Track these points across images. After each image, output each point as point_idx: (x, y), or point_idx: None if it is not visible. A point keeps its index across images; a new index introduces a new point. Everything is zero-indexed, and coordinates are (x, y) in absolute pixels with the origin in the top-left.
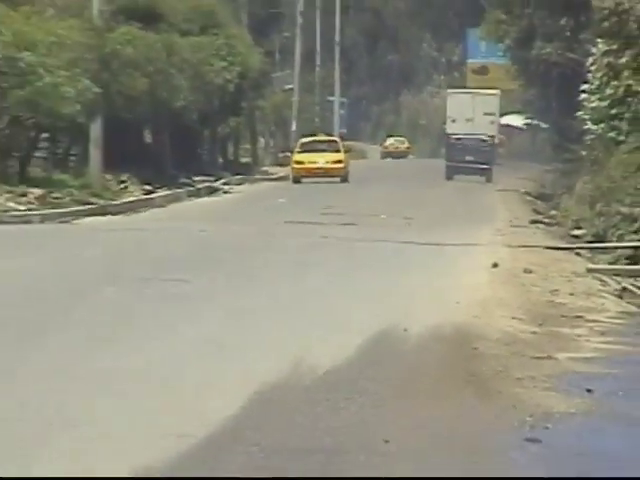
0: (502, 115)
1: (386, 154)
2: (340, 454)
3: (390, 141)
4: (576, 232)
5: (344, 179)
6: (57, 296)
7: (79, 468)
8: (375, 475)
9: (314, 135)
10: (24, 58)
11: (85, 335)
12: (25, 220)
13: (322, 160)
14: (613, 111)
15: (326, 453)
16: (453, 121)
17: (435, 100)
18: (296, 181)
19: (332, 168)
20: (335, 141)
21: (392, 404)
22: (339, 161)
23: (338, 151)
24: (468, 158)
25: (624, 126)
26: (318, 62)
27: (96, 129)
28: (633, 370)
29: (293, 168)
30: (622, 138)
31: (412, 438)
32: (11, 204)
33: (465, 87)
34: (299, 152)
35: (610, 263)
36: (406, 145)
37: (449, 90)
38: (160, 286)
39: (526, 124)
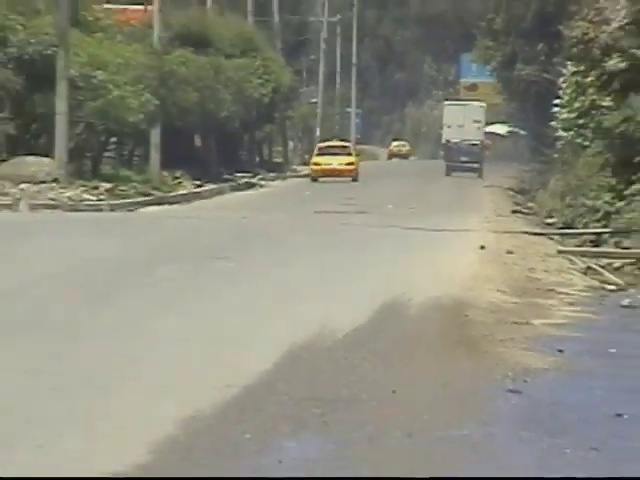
0: (488, 124)
1: (391, 155)
2: (356, 402)
3: (394, 144)
4: (549, 220)
5: (354, 179)
6: (126, 269)
7: (143, 416)
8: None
9: (330, 140)
10: (97, 76)
11: (148, 300)
12: (97, 209)
13: (336, 162)
14: (580, 121)
15: (344, 402)
16: (448, 127)
17: (434, 112)
18: (314, 180)
19: (344, 169)
20: (347, 146)
21: (399, 362)
22: (350, 163)
23: (350, 154)
24: (463, 159)
25: (589, 134)
26: (338, 80)
27: (155, 134)
28: (597, 334)
29: (311, 169)
30: (587, 144)
31: (415, 390)
32: (85, 195)
33: (459, 100)
34: (317, 155)
35: (577, 246)
36: (407, 148)
37: (445, 102)
38: (211, 262)
39: (508, 132)
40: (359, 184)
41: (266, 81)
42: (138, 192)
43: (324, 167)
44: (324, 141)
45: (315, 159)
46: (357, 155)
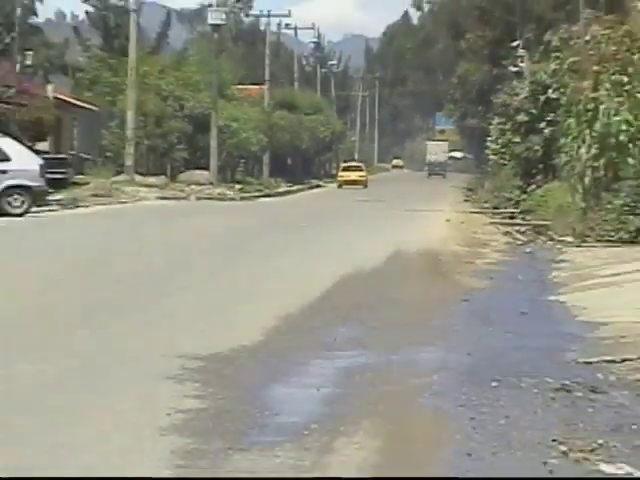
0: (450, 152)
1: (392, 168)
2: (377, 307)
3: (394, 161)
4: (485, 205)
5: (365, 186)
6: (251, 231)
7: (260, 313)
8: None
9: (349, 162)
10: (232, 125)
11: (265, 249)
12: (232, 199)
13: (353, 176)
14: (502, 150)
15: (369, 307)
16: (429, 153)
17: (420, 145)
18: (339, 187)
19: (358, 180)
20: (360, 165)
21: (401, 283)
22: (362, 176)
23: (362, 170)
24: (436, 169)
25: (506, 157)
26: (367, 127)
27: (266, 157)
28: (511, 268)
29: (338, 180)
30: (505, 163)
31: (409, 297)
32: (227, 192)
33: (434, 139)
34: (341, 171)
35: (500, 219)
36: (402, 163)
37: (427, 141)
38: (295, 229)
39: (462, 156)
40: (369, 189)
41: (327, 128)
42: (256, 190)
43: (346, 179)
44: (345, 162)
45: (340, 174)
46: (367, 170)
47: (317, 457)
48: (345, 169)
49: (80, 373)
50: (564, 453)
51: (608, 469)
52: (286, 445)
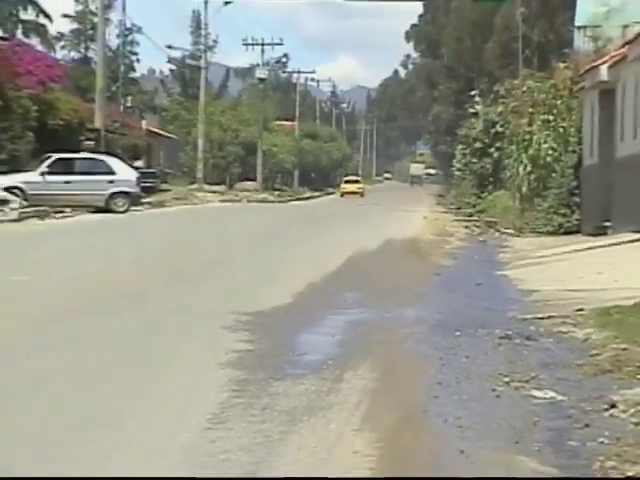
0: (427, 169)
1: (384, 179)
2: (374, 278)
3: (385, 175)
4: (451, 207)
5: (362, 195)
6: (279, 228)
7: (290, 281)
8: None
9: (349, 176)
10: (272, 149)
11: (288, 242)
12: (272, 202)
13: (352, 187)
14: (463, 168)
15: (368, 279)
16: (411, 170)
17: (406, 164)
18: (342, 196)
19: (356, 191)
20: (358, 179)
21: (391, 262)
22: (360, 188)
23: (359, 183)
24: (416, 180)
25: (467, 173)
26: (368, 151)
27: (296, 172)
28: (469, 251)
29: (340, 191)
30: (466, 177)
31: (397, 273)
32: (268, 197)
33: (416, 161)
34: (343, 183)
35: (462, 217)
36: (390, 176)
37: (411, 162)
38: (320, 221)
39: (435, 172)
40: (366, 197)
41: (339, 152)
42: (288, 195)
43: (346, 190)
44: (346, 176)
45: (342, 185)
46: (364, 183)
47: (332, 385)
48: (346, 182)
49: (164, 322)
50: (507, 383)
51: (538, 394)
52: (310, 376)
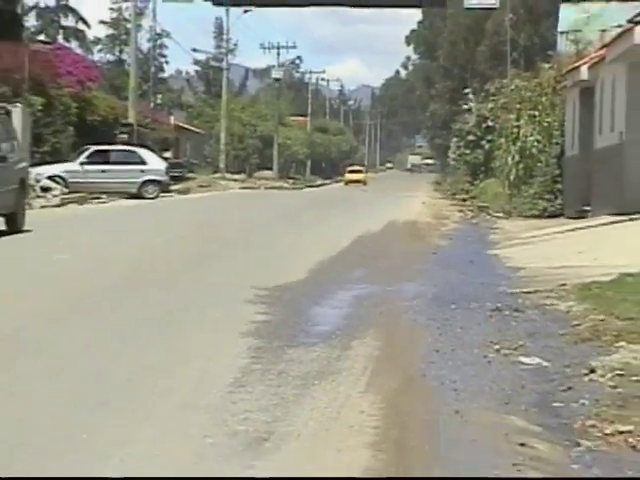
0: (424, 159)
1: (387, 168)
2: (377, 257)
3: (387, 165)
4: (447, 193)
5: (365, 184)
6: (293, 212)
7: (305, 259)
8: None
9: (353, 165)
10: (287, 142)
11: (301, 224)
12: (287, 189)
13: (356, 177)
14: (458, 159)
15: (375, 256)
16: (411, 161)
17: (405, 156)
18: (345, 184)
19: (360, 180)
20: (361, 169)
21: (393, 241)
22: (363, 177)
23: (362, 172)
24: (415, 169)
25: (461, 163)
26: (372, 144)
27: (308, 163)
28: (462, 232)
29: (344, 180)
30: (460, 167)
31: (399, 251)
32: (283, 184)
33: (414, 153)
34: (347, 173)
35: (457, 202)
36: (392, 165)
37: (410, 154)
38: (325, 208)
39: (433, 162)
40: (369, 185)
41: (347, 144)
42: (302, 183)
43: (350, 178)
44: (350, 166)
45: (345, 175)
46: (366, 172)
47: (340, 352)
48: (350, 172)
49: (191, 295)
50: (497, 350)
51: (525, 360)
52: (320, 344)
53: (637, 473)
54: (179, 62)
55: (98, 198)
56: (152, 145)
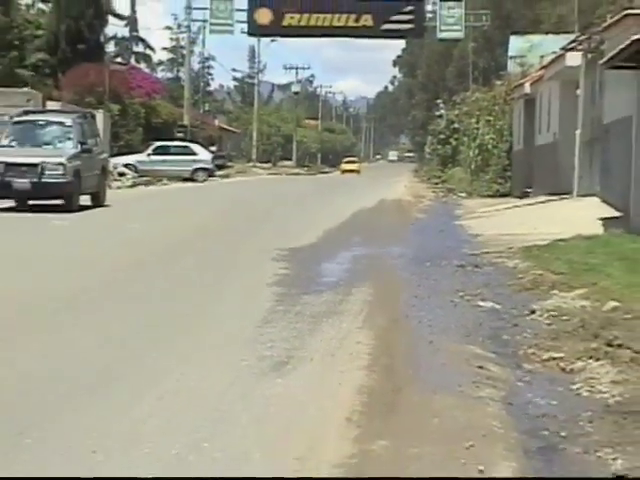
0: (406, 152)
1: (376, 160)
2: (371, 227)
3: (377, 157)
4: (423, 178)
5: (359, 173)
6: (307, 193)
7: (315, 228)
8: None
9: (348, 157)
10: (303, 140)
11: (313, 203)
12: (303, 175)
13: (350, 166)
14: (432, 153)
15: (369, 228)
16: (390, 154)
17: (391, 151)
18: (342, 173)
19: (354, 169)
20: (356, 160)
21: (384, 216)
22: (357, 167)
23: (356, 162)
24: (395, 160)
25: (434, 156)
26: (367, 141)
27: (319, 155)
28: (436, 209)
29: (340, 169)
30: (433, 159)
31: (387, 224)
32: (300, 171)
33: (394, 149)
34: (343, 163)
35: (431, 185)
36: (380, 157)
37: (391, 150)
38: (331, 190)
39: (413, 155)
40: (363, 172)
41: (348, 141)
42: (314, 170)
43: (345, 168)
44: (345, 157)
45: (341, 165)
46: (360, 162)
47: (343, 297)
48: (346, 162)
49: (229, 255)
50: (461, 297)
51: (482, 304)
52: (328, 291)
53: (565, 389)
54: (222, 79)
55: (160, 181)
56: (201, 141)
